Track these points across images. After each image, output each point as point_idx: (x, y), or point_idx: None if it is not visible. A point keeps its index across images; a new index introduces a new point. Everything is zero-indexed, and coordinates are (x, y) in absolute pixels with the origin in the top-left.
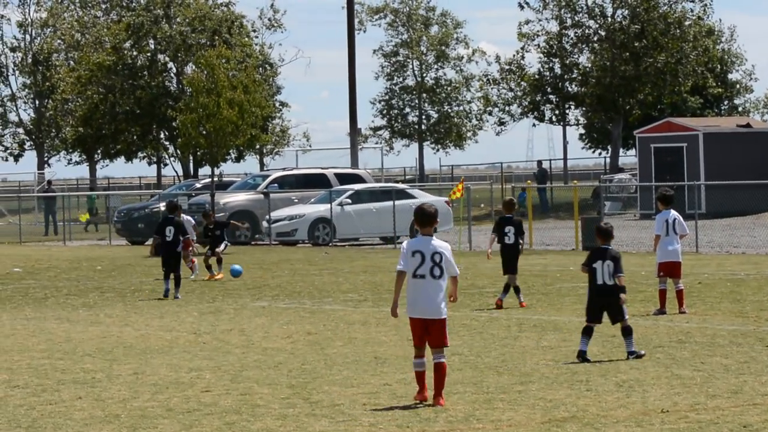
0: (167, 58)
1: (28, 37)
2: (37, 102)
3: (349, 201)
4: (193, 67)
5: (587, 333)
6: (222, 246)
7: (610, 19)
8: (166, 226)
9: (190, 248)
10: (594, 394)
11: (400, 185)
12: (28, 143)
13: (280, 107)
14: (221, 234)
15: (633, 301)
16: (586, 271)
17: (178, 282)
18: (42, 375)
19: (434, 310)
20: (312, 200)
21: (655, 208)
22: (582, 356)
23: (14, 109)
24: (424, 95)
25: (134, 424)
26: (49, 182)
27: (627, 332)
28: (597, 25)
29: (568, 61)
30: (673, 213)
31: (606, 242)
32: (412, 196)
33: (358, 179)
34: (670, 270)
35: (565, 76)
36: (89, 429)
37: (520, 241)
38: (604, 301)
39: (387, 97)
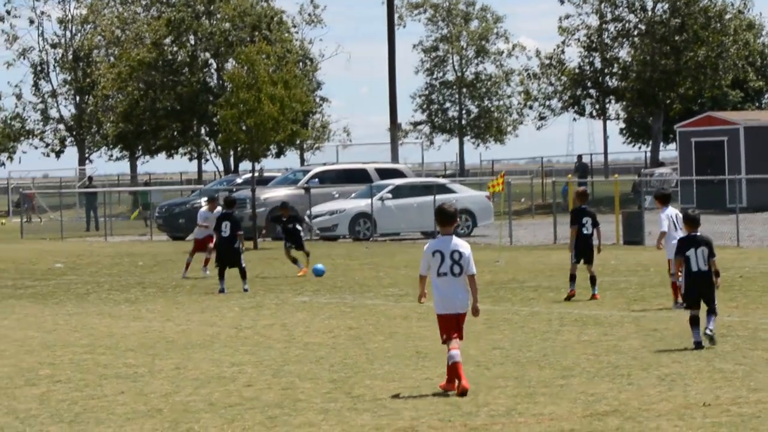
0: (208, 55)
1: (68, 33)
2: (77, 98)
3: (390, 196)
4: (234, 62)
5: (695, 323)
6: (302, 240)
7: (650, 13)
8: (222, 222)
9: (211, 243)
10: (636, 387)
11: (441, 180)
12: (69, 139)
13: (321, 102)
14: (294, 228)
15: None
16: (680, 261)
17: (244, 274)
18: (84, 370)
19: (463, 304)
20: (353, 195)
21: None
22: (698, 346)
23: (55, 105)
24: (464, 90)
25: (176, 418)
26: (90, 178)
27: (712, 313)
28: (637, 19)
29: (608, 56)
30: (674, 209)
31: (694, 229)
32: (452, 191)
33: (398, 174)
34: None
35: (606, 71)
36: (132, 423)
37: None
38: (701, 287)
39: (427, 92)
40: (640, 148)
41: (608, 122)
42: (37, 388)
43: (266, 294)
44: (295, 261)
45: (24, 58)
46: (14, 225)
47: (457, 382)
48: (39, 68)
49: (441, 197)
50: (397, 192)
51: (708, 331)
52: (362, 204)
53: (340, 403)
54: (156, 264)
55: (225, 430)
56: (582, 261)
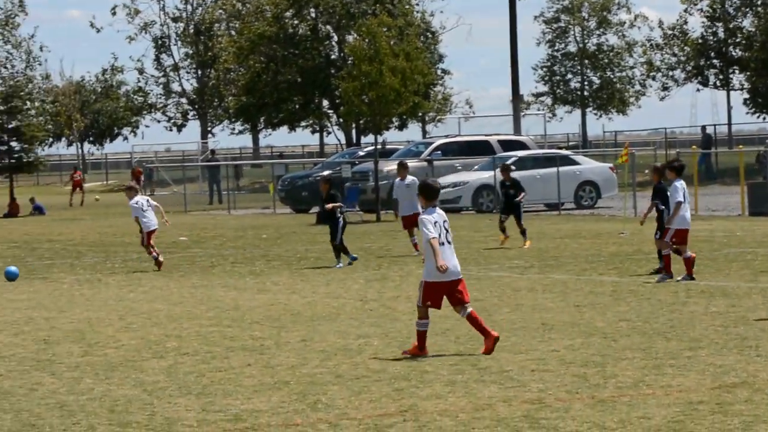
0: (329, 27)
1: (189, 7)
2: (199, 72)
3: (513, 168)
4: (355, 35)
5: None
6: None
7: None
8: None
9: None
10: (765, 359)
11: (564, 151)
12: (191, 113)
13: (442, 75)
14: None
15: None
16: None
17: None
18: (211, 342)
19: (458, 270)
20: (475, 167)
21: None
22: None
23: (177, 79)
24: (586, 61)
25: (303, 390)
26: (213, 151)
27: None
28: None
29: (731, 25)
30: (683, 182)
31: None
32: (576, 162)
33: (521, 146)
34: (684, 237)
35: (729, 40)
36: (259, 396)
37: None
38: None
39: (549, 64)
40: (765, 119)
41: (732, 92)
42: (165, 361)
43: (390, 266)
44: (503, 230)
45: (146, 33)
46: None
47: (419, 346)
48: (160, 42)
49: (564, 169)
50: (520, 164)
51: None
52: (485, 176)
53: (466, 375)
54: (280, 237)
55: (352, 402)
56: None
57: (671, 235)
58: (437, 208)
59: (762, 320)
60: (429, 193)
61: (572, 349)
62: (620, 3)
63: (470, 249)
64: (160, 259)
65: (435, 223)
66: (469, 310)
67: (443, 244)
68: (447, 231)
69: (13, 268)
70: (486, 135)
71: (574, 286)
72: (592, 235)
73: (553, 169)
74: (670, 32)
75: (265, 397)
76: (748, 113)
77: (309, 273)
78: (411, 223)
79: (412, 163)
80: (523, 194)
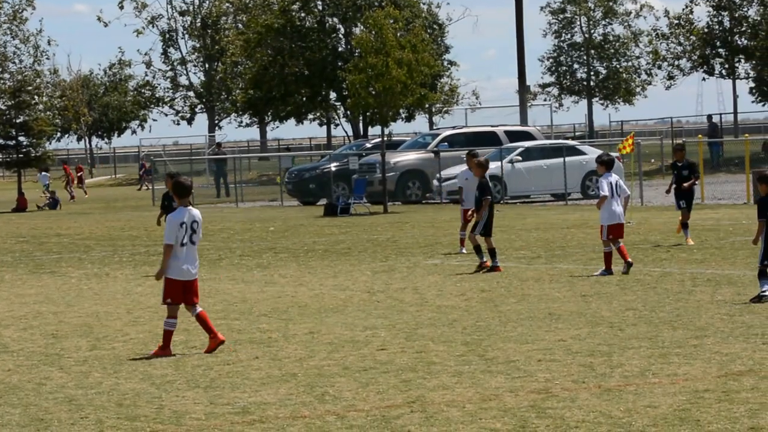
0: (336, 20)
1: (196, 0)
2: (206, 65)
3: (520, 158)
4: (362, 27)
5: (765, 275)
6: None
7: None
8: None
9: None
10: None
11: (571, 142)
12: (198, 106)
13: (449, 66)
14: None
15: None
16: (762, 223)
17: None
18: None
19: (194, 273)
20: None
21: None
22: (762, 296)
23: (184, 72)
24: (593, 51)
25: (311, 382)
26: (219, 144)
27: None
28: None
29: (737, 15)
30: (615, 176)
31: None
32: (582, 153)
33: (528, 136)
34: (617, 232)
35: (735, 30)
36: (266, 388)
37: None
38: None
39: (555, 54)
40: None
41: (738, 81)
42: (173, 354)
43: (397, 257)
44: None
45: (153, 26)
46: (146, 193)
47: (164, 346)
48: (168, 36)
49: (571, 159)
50: (527, 154)
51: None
52: (492, 167)
53: (473, 366)
54: (287, 229)
55: (359, 394)
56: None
57: (605, 232)
58: (190, 207)
59: (756, 302)
60: (178, 191)
61: (579, 339)
62: None
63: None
64: None
65: (182, 224)
66: (200, 309)
67: (185, 244)
68: (194, 231)
69: None
70: (492, 126)
71: (580, 276)
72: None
73: (560, 160)
74: (675, 22)
75: (272, 390)
76: (753, 102)
77: (316, 265)
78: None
79: (418, 155)
80: (694, 179)
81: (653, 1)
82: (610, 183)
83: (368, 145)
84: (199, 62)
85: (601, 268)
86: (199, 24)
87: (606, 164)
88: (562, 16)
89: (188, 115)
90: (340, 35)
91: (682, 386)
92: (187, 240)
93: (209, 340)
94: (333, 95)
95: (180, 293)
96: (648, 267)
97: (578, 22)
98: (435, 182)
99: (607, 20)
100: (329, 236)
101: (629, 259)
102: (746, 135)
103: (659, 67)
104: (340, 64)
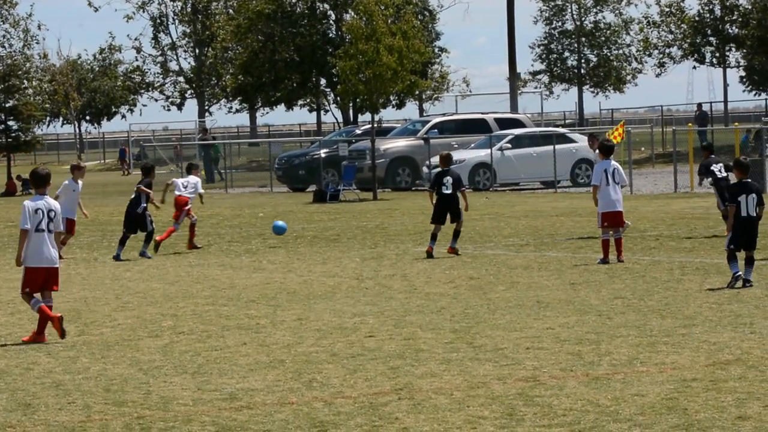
0: (326, 6)
1: None
2: (196, 51)
3: (510, 146)
4: (353, 14)
5: (734, 258)
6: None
7: None
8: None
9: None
10: (758, 336)
11: (561, 129)
12: (188, 92)
13: (439, 53)
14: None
15: None
16: (733, 208)
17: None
18: (207, 321)
19: (55, 259)
20: (472, 145)
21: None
22: (737, 279)
23: (174, 58)
24: (583, 39)
25: (299, 369)
26: (205, 130)
27: (751, 262)
28: None
29: (728, 3)
30: (613, 163)
31: (746, 176)
32: (572, 140)
33: (518, 124)
34: (613, 220)
35: (726, 18)
36: (254, 374)
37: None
38: (748, 232)
39: (546, 42)
40: (760, 95)
41: (728, 70)
42: (160, 340)
43: (387, 244)
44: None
45: (143, 11)
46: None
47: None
48: (158, 21)
49: (561, 147)
50: (517, 142)
51: (746, 284)
52: (482, 154)
53: (461, 353)
54: (276, 215)
55: (347, 381)
56: None
57: (600, 220)
58: (46, 195)
59: (738, 287)
60: (36, 181)
61: (567, 327)
62: None
63: (466, 227)
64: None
65: (37, 210)
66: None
67: (43, 231)
68: (50, 219)
69: (280, 223)
70: (483, 113)
71: (569, 264)
72: (588, 213)
73: (550, 147)
74: (666, 9)
75: (260, 376)
76: (744, 91)
77: (305, 252)
78: None
79: (408, 141)
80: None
81: None
82: (605, 171)
83: (358, 132)
84: (189, 47)
85: (601, 255)
86: (190, 9)
87: (603, 150)
88: (553, 3)
89: (178, 101)
90: (331, 21)
91: (670, 375)
92: (45, 227)
93: (33, 332)
94: (323, 81)
95: (40, 281)
96: (637, 255)
97: (569, 10)
98: (425, 169)
99: (598, 8)
100: (318, 223)
101: (622, 258)
102: (736, 123)
103: (650, 55)
104: (330, 50)
